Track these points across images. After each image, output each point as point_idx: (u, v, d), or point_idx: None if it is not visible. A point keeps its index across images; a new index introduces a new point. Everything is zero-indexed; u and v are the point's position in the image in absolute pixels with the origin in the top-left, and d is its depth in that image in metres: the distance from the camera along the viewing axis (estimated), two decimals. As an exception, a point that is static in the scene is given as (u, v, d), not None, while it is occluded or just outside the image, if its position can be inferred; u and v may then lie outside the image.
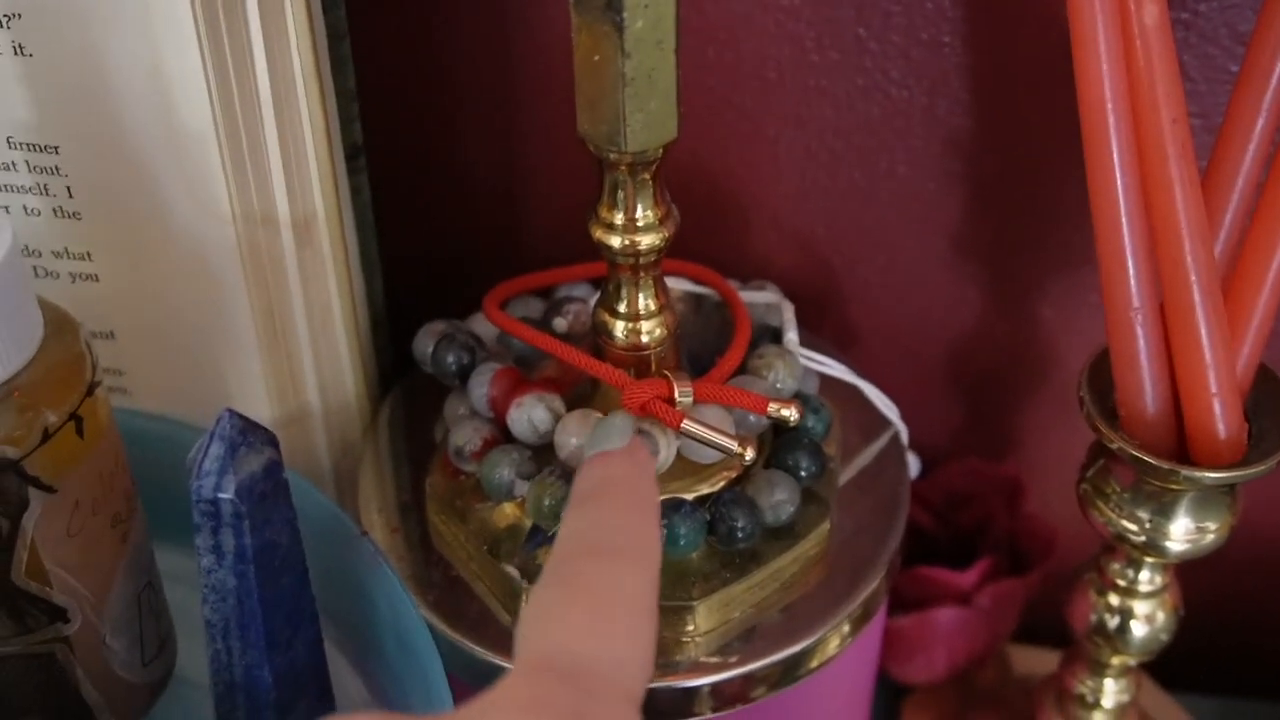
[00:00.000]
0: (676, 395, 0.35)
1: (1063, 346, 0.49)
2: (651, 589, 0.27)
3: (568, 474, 0.36)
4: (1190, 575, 0.43)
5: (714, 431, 0.35)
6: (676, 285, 0.43)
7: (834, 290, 0.49)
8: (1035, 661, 0.53)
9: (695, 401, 0.36)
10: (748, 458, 0.35)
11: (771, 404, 0.36)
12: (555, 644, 0.25)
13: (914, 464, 0.43)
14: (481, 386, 0.39)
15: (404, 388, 0.45)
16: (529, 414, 0.37)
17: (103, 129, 0.36)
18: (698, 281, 0.43)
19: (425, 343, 0.41)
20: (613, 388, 0.36)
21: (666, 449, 0.35)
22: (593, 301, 0.40)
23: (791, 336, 0.41)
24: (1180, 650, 0.44)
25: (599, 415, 0.37)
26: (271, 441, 0.32)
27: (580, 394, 0.39)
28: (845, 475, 0.41)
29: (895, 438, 0.43)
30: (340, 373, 0.42)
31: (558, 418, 0.37)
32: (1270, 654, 0.57)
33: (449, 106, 0.48)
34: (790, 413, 0.36)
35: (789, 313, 0.42)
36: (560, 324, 0.42)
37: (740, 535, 0.36)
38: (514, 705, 0.23)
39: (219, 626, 0.33)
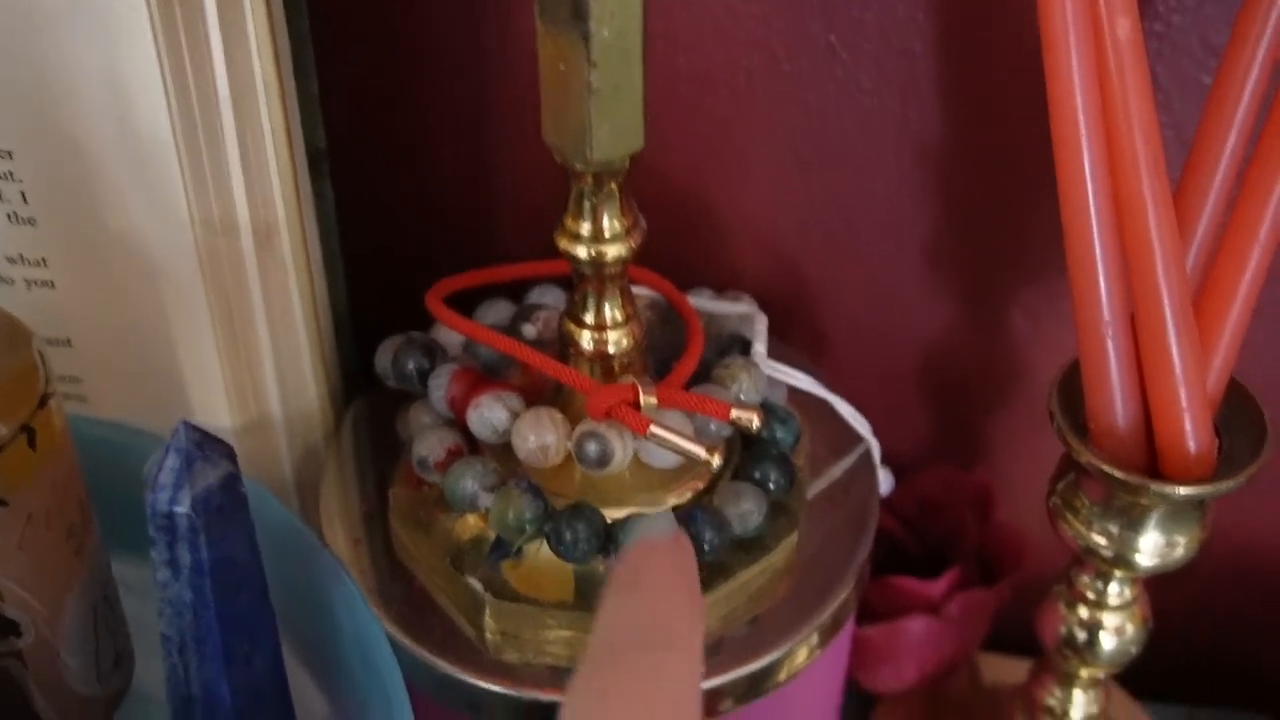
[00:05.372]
0: (642, 400, 0.35)
1: (1035, 355, 0.49)
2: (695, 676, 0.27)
3: (534, 488, 0.36)
4: (1160, 587, 0.43)
5: (681, 437, 0.35)
6: (645, 293, 0.43)
7: (805, 298, 0.49)
8: (1005, 670, 0.53)
9: (659, 407, 0.35)
10: (715, 464, 0.35)
11: (734, 410, 0.36)
12: None
13: (887, 480, 0.43)
14: (440, 388, 0.38)
15: (368, 395, 0.45)
16: (486, 413, 0.37)
17: (57, 134, 0.35)
18: (656, 290, 0.43)
19: (385, 355, 0.41)
20: (578, 393, 0.36)
21: (623, 453, 0.35)
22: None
23: (759, 349, 0.40)
24: (1150, 661, 0.44)
25: (559, 415, 0.36)
26: (229, 455, 0.31)
27: (546, 401, 0.38)
28: (815, 488, 0.41)
29: (866, 451, 0.42)
30: (302, 380, 0.42)
31: (516, 416, 0.37)
32: (1241, 664, 0.57)
33: (416, 110, 0.47)
34: (753, 419, 0.35)
35: (761, 325, 0.41)
36: (529, 330, 0.42)
37: (707, 550, 0.36)
38: None
39: (175, 641, 0.32)
